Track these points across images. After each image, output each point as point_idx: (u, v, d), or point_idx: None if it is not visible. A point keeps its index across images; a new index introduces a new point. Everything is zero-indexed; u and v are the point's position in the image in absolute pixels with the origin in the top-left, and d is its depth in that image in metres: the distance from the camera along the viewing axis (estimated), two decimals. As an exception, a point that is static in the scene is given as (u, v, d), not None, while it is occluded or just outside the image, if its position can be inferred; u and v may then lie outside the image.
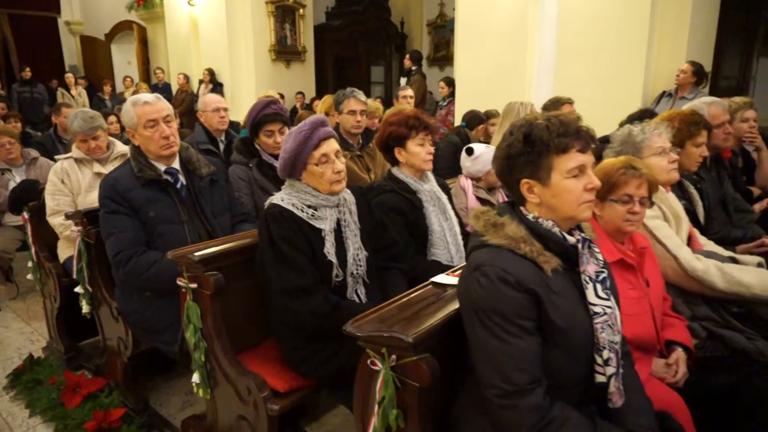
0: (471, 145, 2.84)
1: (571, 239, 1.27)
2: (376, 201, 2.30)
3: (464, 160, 2.84)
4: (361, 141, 3.33)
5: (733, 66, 7.57)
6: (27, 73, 8.92)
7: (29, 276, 3.16)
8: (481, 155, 2.76)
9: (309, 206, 1.86)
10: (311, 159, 1.83)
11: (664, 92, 5.17)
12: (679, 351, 1.72)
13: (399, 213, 2.26)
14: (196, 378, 2.01)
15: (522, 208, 1.31)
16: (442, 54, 11.95)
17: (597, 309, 1.24)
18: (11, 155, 3.83)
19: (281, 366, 1.94)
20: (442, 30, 11.85)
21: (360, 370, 1.42)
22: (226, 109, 3.62)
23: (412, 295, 1.55)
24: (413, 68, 7.24)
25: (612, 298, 1.28)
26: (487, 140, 4.23)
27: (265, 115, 2.82)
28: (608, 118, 3.53)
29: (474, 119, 4.30)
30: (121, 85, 10.43)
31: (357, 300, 1.91)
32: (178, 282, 1.96)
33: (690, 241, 2.05)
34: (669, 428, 1.36)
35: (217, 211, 2.46)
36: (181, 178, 2.41)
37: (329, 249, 1.83)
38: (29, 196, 3.04)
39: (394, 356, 1.32)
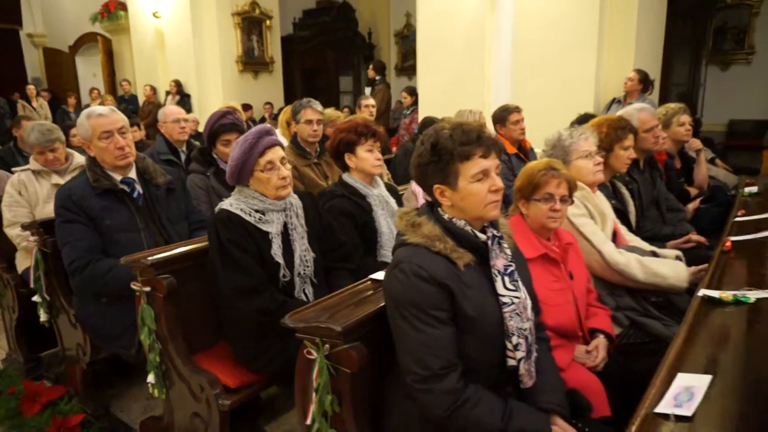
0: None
1: (483, 236, 1.40)
2: (327, 206, 2.41)
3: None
4: (318, 149, 3.43)
5: (683, 74, 7.96)
6: (-12, 86, 8.79)
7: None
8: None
9: (257, 210, 1.96)
10: (257, 166, 1.93)
11: (614, 99, 5.41)
12: (601, 338, 1.86)
13: (348, 216, 2.38)
14: (151, 378, 2.08)
15: (439, 209, 1.44)
16: (410, 63, 12.15)
17: (505, 299, 1.37)
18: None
19: (233, 364, 2.03)
20: (409, 40, 12.07)
21: (299, 361, 1.52)
22: (186, 120, 3.69)
23: (349, 291, 1.67)
24: (377, 78, 7.40)
25: (521, 289, 1.42)
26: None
27: (222, 125, 2.91)
28: (563, 124, 3.70)
29: (427, 126, 4.45)
30: (87, 97, 10.35)
31: (305, 299, 2.01)
32: (132, 286, 2.03)
33: (615, 237, 2.22)
34: (577, 404, 1.50)
35: (174, 218, 2.53)
36: (138, 188, 2.47)
37: (276, 251, 1.94)
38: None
39: (327, 345, 1.43)
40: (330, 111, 4.48)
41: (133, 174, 2.48)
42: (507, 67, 5.94)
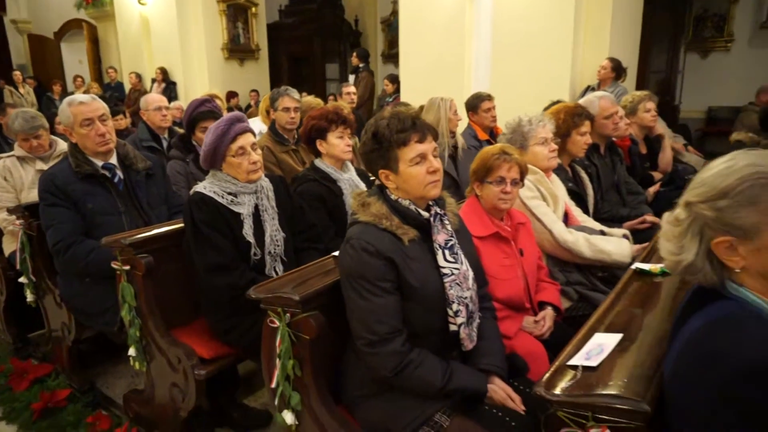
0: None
1: (426, 214, 1.54)
2: (299, 189, 2.54)
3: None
4: (296, 136, 3.55)
5: (661, 61, 8.09)
6: (-28, 74, 8.78)
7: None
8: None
9: (229, 193, 2.09)
10: (229, 151, 2.05)
11: (588, 86, 5.55)
12: (548, 310, 2.02)
13: (319, 200, 2.51)
14: (132, 352, 2.22)
15: (387, 190, 1.58)
16: (396, 51, 12.07)
17: (446, 270, 1.52)
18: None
19: (209, 338, 2.17)
20: (395, 27, 12.04)
21: (264, 329, 1.66)
22: (168, 108, 3.79)
23: (312, 266, 1.81)
24: (360, 65, 7.48)
25: (462, 261, 1.56)
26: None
27: (200, 112, 3.02)
28: (540, 110, 3.84)
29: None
30: (71, 84, 10.33)
31: (275, 276, 2.14)
32: (113, 265, 2.16)
33: (567, 218, 2.36)
34: (516, 366, 1.65)
35: (154, 203, 2.65)
36: (119, 173, 2.59)
37: (247, 230, 2.07)
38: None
39: (288, 314, 1.57)
40: (310, 98, 4.59)
41: (114, 160, 2.59)
42: (486, 55, 6.06)
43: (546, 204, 2.26)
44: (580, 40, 5.61)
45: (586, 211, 2.69)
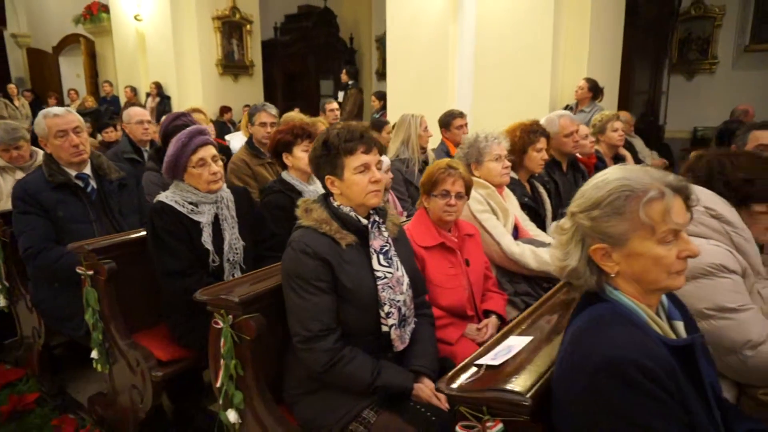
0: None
1: (364, 221, 1.64)
2: (265, 200, 2.63)
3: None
4: (272, 150, 3.65)
5: (644, 82, 8.26)
6: (-31, 86, 8.95)
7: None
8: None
9: (190, 202, 2.18)
10: (190, 162, 2.16)
11: (567, 105, 5.68)
12: (492, 318, 2.10)
13: (283, 210, 2.59)
14: (94, 354, 2.30)
15: (331, 197, 1.68)
16: (390, 69, 12.37)
17: (379, 274, 1.61)
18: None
19: (168, 341, 2.25)
20: (390, 46, 12.28)
21: (210, 331, 1.75)
22: (149, 122, 3.90)
23: (261, 271, 1.90)
24: (350, 82, 7.64)
25: (396, 267, 1.65)
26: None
27: (175, 126, 3.12)
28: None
29: (375, 126, 4.70)
30: (68, 97, 10.50)
31: (233, 282, 2.23)
32: (78, 270, 2.24)
33: (517, 231, 2.46)
34: (448, 369, 1.73)
35: (126, 211, 2.74)
36: (92, 182, 2.69)
37: (206, 238, 2.16)
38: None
39: (230, 316, 1.66)
40: (293, 114, 4.72)
41: (88, 170, 2.69)
42: (469, 73, 6.20)
43: (496, 217, 2.35)
44: (560, 60, 5.76)
45: (542, 225, 2.78)
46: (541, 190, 2.90)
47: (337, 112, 5.35)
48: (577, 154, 3.65)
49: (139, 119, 3.83)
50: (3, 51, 11.87)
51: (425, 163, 3.65)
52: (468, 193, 2.11)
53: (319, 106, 11.22)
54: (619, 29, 6.47)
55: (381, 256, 1.62)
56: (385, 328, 1.61)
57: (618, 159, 4.09)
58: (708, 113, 9.71)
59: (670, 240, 1.05)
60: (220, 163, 2.25)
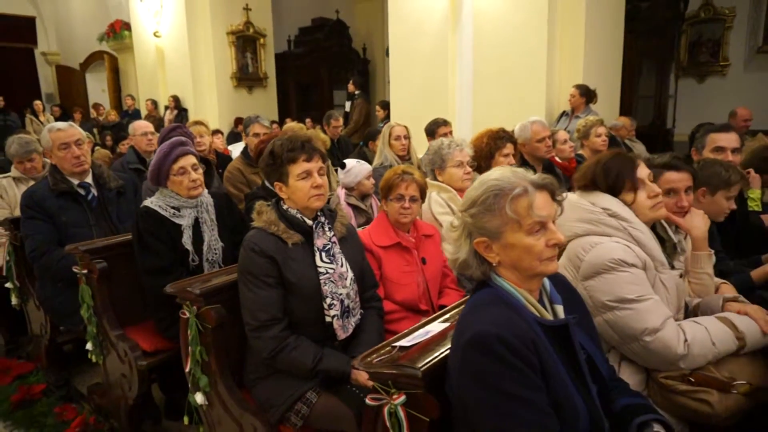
0: (345, 160, 3.40)
1: (309, 222, 1.82)
2: (248, 205, 2.84)
3: (340, 173, 3.39)
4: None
5: (650, 86, 8.26)
6: (0, 102, 9.47)
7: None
8: (352, 169, 3.31)
9: (172, 207, 2.40)
10: (171, 171, 2.37)
11: (563, 112, 5.79)
12: (447, 312, 2.25)
13: (263, 214, 2.80)
14: (89, 346, 2.52)
15: (282, 201, 1.86)
16: (402, 78, 12.57)
17: (321, 269, 1.79)
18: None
19: (153, 334, 2.46)
20: (402, 56, 12.47)
21: (180, 320, 1.95)
22: (153, 134, 4.16)
23: (231, 268, 2.09)
24: (356, 92, 7.86)
25: (339, 263, 1.82)
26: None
27: (172, 137, 3.36)
28: None
29: (368, 137, 4.89)
30: (93, 110, 11.00)
31: (211, 280, 2.43)
32: (74, 269, 2.48)
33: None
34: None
35: (123, 217, 2.98)
36: (93, 190, 2.94)
37: (186, 240, 2.37)
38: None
39: (195, 306, 1.85)
40: (293, 124, 4.95)
41: (89, 179, 2.94)
42: (469, 82, 6.35)
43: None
44: (555, 69, 5.87)
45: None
46: (512, 193, 3.02)
47: (340, 129, 5.57)
48: (557, 159, 3.78)
49: (143, 131, 4.10)
50: (34, 68, 12.48)
51: (410, 169, 3.81)
52: (423, 196, 2.28)
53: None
54: (618, 35, 6.54)
55: (323, 254, 1.80)
56: (327, 319, 1.78)
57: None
58: (720, 116, 9.59)
59: (538, 230, 1.20)
60: (200, 171, 2.46)
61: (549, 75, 5.79)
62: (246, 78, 10.16)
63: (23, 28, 12.10)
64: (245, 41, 10.05)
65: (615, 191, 1.66)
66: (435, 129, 4.04)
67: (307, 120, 9.11)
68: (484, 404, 1.12)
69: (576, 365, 1.23)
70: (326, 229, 1.85)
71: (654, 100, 8.29)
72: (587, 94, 5.41)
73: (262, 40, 10.32)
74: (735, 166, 2.39)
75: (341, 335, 1.80)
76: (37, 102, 9.92)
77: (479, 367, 1.12)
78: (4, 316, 3.51)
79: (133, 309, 2.59)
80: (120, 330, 2.42)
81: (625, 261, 1.53)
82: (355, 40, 12.88)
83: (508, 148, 2.87)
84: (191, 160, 2.42)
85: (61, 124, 2.89)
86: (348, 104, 7.94)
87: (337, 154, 5.46)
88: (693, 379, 1.46)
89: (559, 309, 1.28)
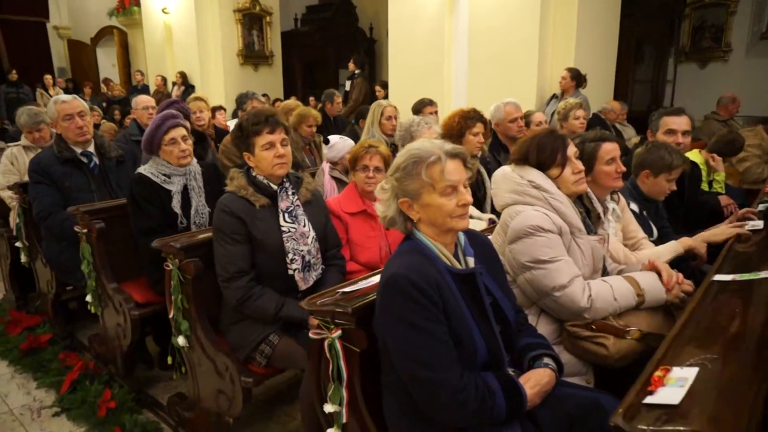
0: (329, 137, 3.63)
1: (274, 187, 2.06)
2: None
3: (324, 148, 3.63)
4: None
5: (647, 71, 8.35)
6: (13, 75, 9.77)
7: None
8: (335, 144, 3.53)
9: (163, 174, 2.65)
10: (163, 141, 2.61)
11: (554, 95, 5.94)
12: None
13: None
14: (89, 298, 2.81)
15: (252, 168, 2.10)
16: (407, 58, 12.66)
17: (284, 228, 2.03)
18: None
19: (146, 288, 2.73)
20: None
21: (165, 272, 2.21)
22: (154, 108, 4.40)
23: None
24: (356, 72, 8.03)
25: (301, 223, 2.07)
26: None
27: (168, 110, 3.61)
28: None
29: (359, 115, 5.09)
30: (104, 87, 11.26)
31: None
32: (75, 229, 2.75)
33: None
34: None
35: (122, 184, 3.24)
36: (95, 159, 3.20)
37: (175, 204, 2.62)
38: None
39: (177, 259, 2.11)
40: (290, 102, 5.17)
41: (91, 148, 3.20)
42: (464, 64, 6.52)
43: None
44: (547, 53, 6.02)
45: (482, 202, 3.14)
46: (482, 170, 3.25)
47: (341, 105, 5.79)
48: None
49: (144, 105, 4.34)
50: (46, 42, 12.71)
51: (394, 146, 4.02)
52: (386, 167, 2.50)
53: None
54: (614, 20, 6.62)
55: (287, 215, 2.05)
56: (290, 272, 2.03)
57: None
58: (721, 102, 9.68)
59: (450, 192, 1.43)
60: (190, 142, 2.70)
61: (541, 58, 5.95)
62: (252, 56, 10.34)
63: (36, 2, 12.31)
64: (251, 19, 10.21)
65: (543, 167, 1.88)
66: (421, 108, 4.23)
67: (311, 98, 9.36)
68: (395, 333, 1.37)
69: (481, 308, 1.47)
70: (290, 193, 2.09)
71: (651, 84, 8.39)
72: (577, 78, 5.56)
73: (268, 18, 10.47)
74: (679, 151, 2.58)
75: (302, 286, 2.06)
76: (48, 76, 10.18)
77: (391, 302, 1.36)
78: (16, 274, 3.81)
79: (128, 266, 2.86)
80: (115, 284, 2.70)
81: (542, 227, 1.75)
82: (362, 20, 12.96)
83: (478, 128, 3.07)
84: (181, 131, 2.66)
85: (65, 97, 3.14)
86: (348, 83, 8.11)
87: (333, 131, 5.68)
88: (594, 327, 1.69)
89: (471, 261, 1.52)
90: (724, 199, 3.31)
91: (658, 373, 1.18)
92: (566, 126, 4.28)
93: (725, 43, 9.58)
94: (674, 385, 1.15)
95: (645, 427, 0.98)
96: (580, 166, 1.88)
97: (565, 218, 1.80)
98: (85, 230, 2.71)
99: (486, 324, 1.46)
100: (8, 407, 2.74)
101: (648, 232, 2.59)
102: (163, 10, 10.00)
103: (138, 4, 10.78)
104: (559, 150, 1.87)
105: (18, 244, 3.44)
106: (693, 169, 3.22)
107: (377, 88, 7.55)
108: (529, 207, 1.82)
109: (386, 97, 7.50)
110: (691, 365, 1.21)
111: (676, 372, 1.21)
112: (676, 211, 2.88)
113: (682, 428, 0.96)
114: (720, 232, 2.32)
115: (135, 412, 2.60)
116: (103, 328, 2.91)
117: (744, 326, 1.39)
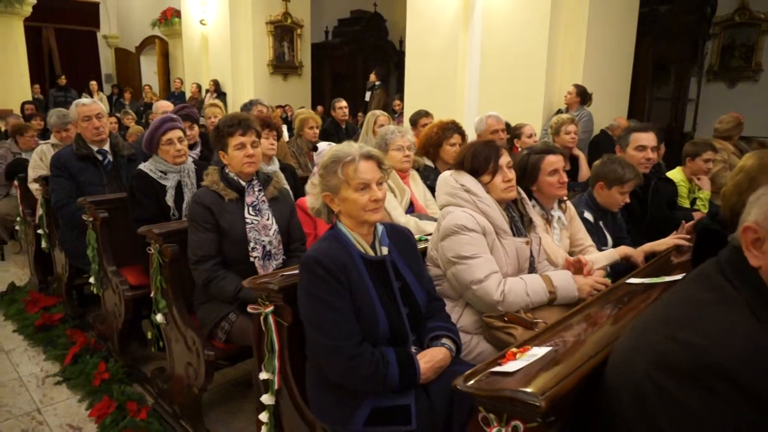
0: (318, 143, 3.88)
1: (243, 183, 2.32)
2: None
3: (314, 154, 3.88)
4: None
5: (667, 90, 8.31)
6: (62, 80, 10.51)
7: (17, 227, 4.38)
8: (322, 151, 3.77)
9: (160, 171, 2.95)
10: (161, 141, 2.92)
11: (559, 109, 6.05)
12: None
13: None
14: (92, 280, 3.13)
15: (226, 166, 2.37)
16: (435, 71, 12.89)
17: (248, 220, 2.28)
18: (33, 144, 5.09)
19: (141, 272, 3.03)
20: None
21: (149, 257, 2.49)
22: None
23: (192, 220, 2.61)
24: (376, 83, 8.31)
25: (265, 216, 2.31)
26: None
27: (179, 115, 3.94)
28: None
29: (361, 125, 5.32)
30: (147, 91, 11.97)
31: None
32: (83, 217, 3.08)
33: (413, 207, 3.03)
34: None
35: (132, 180, 3.58)
36: (109, 156, 3.55)
37: (168, 198, 2.92)
38: (17, 170, 4.28)
39: (158, 245, 2.39)
40: (303, 110, 5.48)
41: (106, 147, 3.56)
42: (476, 77, 6.70)
43: (393, 195, 2.94)
44: (556, 69, 6.14)
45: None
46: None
47: (345, 110, 6.05)
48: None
49: (163, 110, 4.71)
50: (96, 50, 13.59)
51: (388, 154, 4.25)
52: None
53: (365, 105, 12.05)
54: (629, 38, 6.68)
55: (251, 209, 2.30)
56: (251, 259, 2.28)
57: (573, 159, 4.49)
58: (751, 122, 9.46)
59: (362, 189, 1.64)
60: (185, 142, 3.00)
61: (549, 74, 6.08)
62: (281, 66, 10.79)
63: (88, 13, 13.18)
64: (283, 31, 10.68)
65: (476, 173, 2.07)
66: (417, 119, 4.45)
67: (319, 107, 9.85)
68: (304, 306, 1.59)
69: (389, 290, 1.67)
70: (256, 189, 2.34)
71: (672, 103, 8.33)
72: (582, 95, 5.66)
73: (299, 30, 10.92)
74: (632, 165, 2.71)
75: (261, 272, 2.30)
76: (93, 82, 10.92)
77: (303, 279, 1.59)
78: (39, 261, 4.21)
79: (129, 252, 3.17)
80: (114, 267, 3.01)
81: (466, 226, 1.94)
82: (392, 33, 13.29)
83: (455, 139, 3.27)
84: (177, 133, 2.96)
85: (86, 100, 3.51)
86: (368, 94, 8.39)
87: (343, 137, 5.95)
88: (506, 318, 1.86)
89: (385, 249, 1.72)
90: (698, 215, 3.38)
91: (513, 349, 1.36)
92: (558, 140, 4.41)
93: (755, 63, 9.44)
94: (523, 359, 1.33)
95: (471, 384, 1.17)
96: (510, 175, 2.06)
97: (490, 220, 1.98)
98: (91, 219, 3.04)
99: (392, 304, 1.66)
100: (18, 374, 3.08)
101: (602, 241, 2.73)
102: (201, 22, 10.58)
103: (179, 16, 11.44)
104: (492, 159, 2.05)
105: (39, 231, 3.82)
106: (666, 185, 3.32)
107: (396, 102, 7.80)
108: (459, 208, 2.01)
109: (402, 109, 7.75)
110: (548, 346, 1.39)
111: (534, 351, 1.37)
112: (638, 224, 3.00)
113: (497, 387, 1.14)
114: (663, 242, 2.44)
115: (125, 383, 2.89)
116: (103, 308, 3.22)
117: (617, 318, 1.55)
